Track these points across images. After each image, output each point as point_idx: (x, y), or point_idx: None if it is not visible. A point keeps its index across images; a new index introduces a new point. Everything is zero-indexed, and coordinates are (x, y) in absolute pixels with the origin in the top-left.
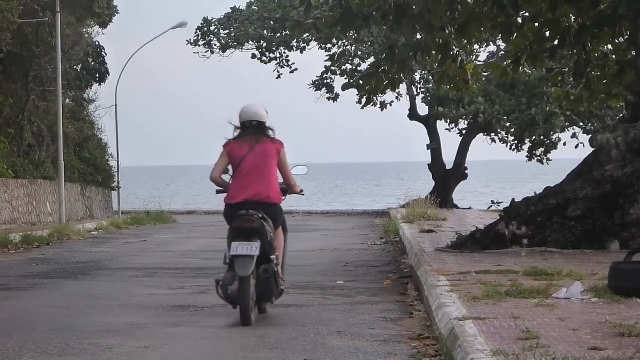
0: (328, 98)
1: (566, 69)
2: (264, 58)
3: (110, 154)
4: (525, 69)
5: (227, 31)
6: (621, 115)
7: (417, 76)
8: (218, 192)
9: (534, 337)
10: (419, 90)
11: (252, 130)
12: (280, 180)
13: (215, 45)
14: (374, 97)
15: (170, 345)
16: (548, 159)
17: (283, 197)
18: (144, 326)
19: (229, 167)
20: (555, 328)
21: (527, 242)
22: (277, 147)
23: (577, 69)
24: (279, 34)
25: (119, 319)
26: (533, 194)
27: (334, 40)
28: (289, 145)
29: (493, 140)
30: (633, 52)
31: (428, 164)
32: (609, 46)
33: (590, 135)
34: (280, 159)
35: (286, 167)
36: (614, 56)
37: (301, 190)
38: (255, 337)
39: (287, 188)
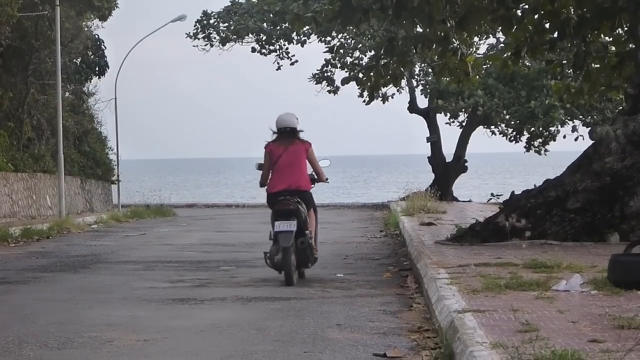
0: (329, 91)
1: (565, 62)
2: (263, 51)
3: (110, 148)
4: (526, 61)
5: (226, 24)
6: (621, 107)
7: (417, 69)
8: (261, 184)
9: (533, 330)
10: (418, 83)
11: (286, 134)
12: (310, 171)
13: (215, 38)
14: (377, 93)
15: (170, 338)
16: (546, 150)
17: (312, 185)
18: (144, 319)
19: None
20: (555, 320)
21: (529, 234)
22: (306, 147)
23: (577, 61)
24: (279, 27)
25: (119, 313)
26: (533, 187)
27: (334, 34)
28: None
29: (493, 133)
30: (632, 45)
31: (428, 157)
32: (608, 38)
33: (590, 128)
34: (309, 155)
35: (315, 161)
36: (613, 48)
37: (327, 179)
38: (255, 330)
39: (317, 178)
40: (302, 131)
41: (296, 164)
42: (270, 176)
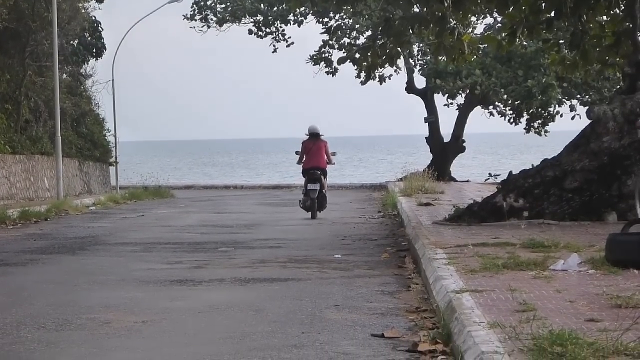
0: (327, 72)
1: (562, 41)
2: (260, 33)
3: (108, 129)
4: (523, 42)
5: (223, 5)
6: (618, 87)
7: (415, 49)
8: (298, 162)
9: (531, 310)
10: (416, 63)
11: (313, 136)
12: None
13: (211, 20)
14: (373, 72)
15: (168, 319)
16: (546, 131)
17: (327, 164)
18: (142, 301)
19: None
20: (553, 300)
21: (527, 214)
22: (324, 143)
23: (574, 40)
24: (275, 8)
25: (117, 294)
26: (531, 167)
27: (331, 14)
28: (291, 120)
29: (491, 113)
30: (629, 24)
31: (426, 137)
32: (605, 17)
33: (587, 107)
34: (325, 148)
35: (328, 152)
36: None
37: (333, 162)
38: (253, 311)
39: (329, 161)
40: (322, 135)
41: (319, 153)
42: (304, 158)
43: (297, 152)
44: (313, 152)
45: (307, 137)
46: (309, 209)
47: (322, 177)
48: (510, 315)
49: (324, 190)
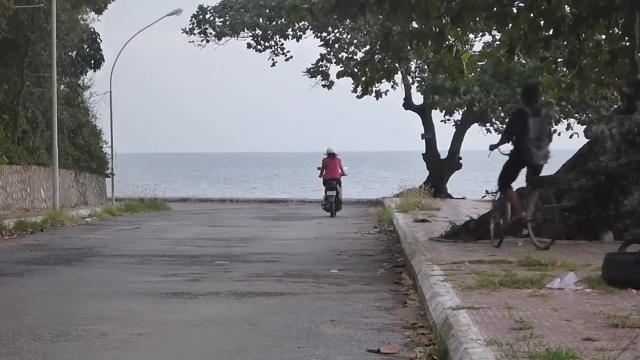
0: (323, 85)
1: (560, 59)
2: (259, 47)
3: (105, 141)
4: (521, 59)
5: (222, 19)
6: (616, 106)
7: (412, 65)
8: (320, 176)
9: (527, 327)
10: (414, 80)
11: (331, 155)
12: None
13: (210, 34)
14: (371, 87)
15: (164, 332)
16: None
17: (342, 176)
18: (138, 313)
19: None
20: (549, 318)
21: (526, 232)
22: (339, 161)
23: (571, 58)
24: (274, 23)
25: (112, 306)
26: (527, 185)
27: (330, 29)
28: (286, 135)
29: (488, 130)
30: (626, 42)
31: (423, 154)
32: (603, 36)
33: (585, 126)
34: (340, 164)
35: (342, 167)
36: (606, 45)
37: (346, 174)
38: (249, 325)
39: (342, 173)
40: (337, 154)
41: (335, 168)
42: (324, 172)
43: (318, 168)
44: (330, 167)
45: (326, 156)
46: (328, 210)
47: (338, 186)
48: (507, 333)
49: (339, 196)
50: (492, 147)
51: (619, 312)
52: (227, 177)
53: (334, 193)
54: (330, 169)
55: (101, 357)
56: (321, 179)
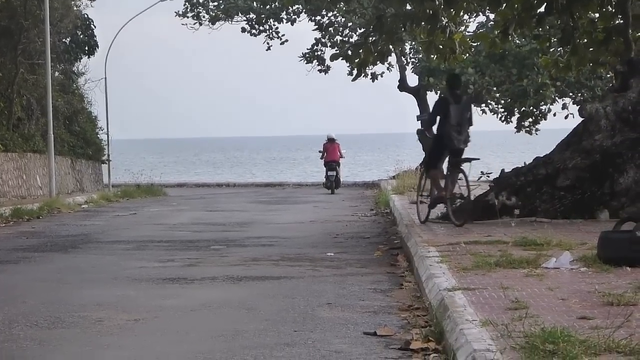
0: (319, 70)
1: (555, 39)
2: (253, 31)
3: (100, 127)
4: (516, 40)
5: (216, 3)
6: (610, 85)
7: (407, 47)
8: (321, 158)
9: (523, 307)
10: (409, 61)
11: (331, 140)
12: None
13: (204, 17)
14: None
15: (161, 318)
16: (537, 130)
17: (340, 158)
18: (135, 299)
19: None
20: (545, 298)
21: (519, 212)
22: (338, 145)
23: (564, 36)
24: (268, 6)
25: (109, 292)
26: (523, 165)
27: (324, 12)
28: (286, 118)
29: (484, 111)
30: (620, 20)
31: (417, 134)
32: (596, 14)
33: (579, 106)
34: (339, 148)
35: (340, 150)
36: (600, 23)
37: (344, 157)
38: (246, 309)
39: (341, 156)
40: (336, 139)
41: (334, 152)
42: (325, 155)
43: (319, 151)
44: (330, 151)
45: (327, 141)
46: (329, 188)
47: (337, 167)
48: (502, 313)
49: (338, 175)
50: (419, 118)
51: (614, 290)
52: (239, 161)
53: (334, 173)
54: (330, 152)
55: (98, 343)
56: (322, 161)
